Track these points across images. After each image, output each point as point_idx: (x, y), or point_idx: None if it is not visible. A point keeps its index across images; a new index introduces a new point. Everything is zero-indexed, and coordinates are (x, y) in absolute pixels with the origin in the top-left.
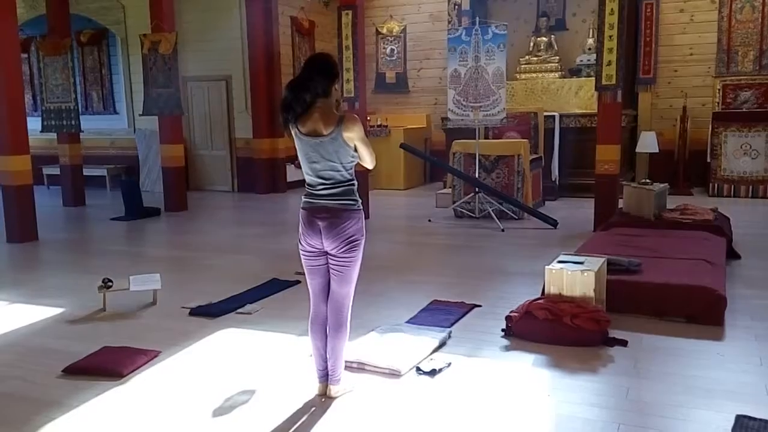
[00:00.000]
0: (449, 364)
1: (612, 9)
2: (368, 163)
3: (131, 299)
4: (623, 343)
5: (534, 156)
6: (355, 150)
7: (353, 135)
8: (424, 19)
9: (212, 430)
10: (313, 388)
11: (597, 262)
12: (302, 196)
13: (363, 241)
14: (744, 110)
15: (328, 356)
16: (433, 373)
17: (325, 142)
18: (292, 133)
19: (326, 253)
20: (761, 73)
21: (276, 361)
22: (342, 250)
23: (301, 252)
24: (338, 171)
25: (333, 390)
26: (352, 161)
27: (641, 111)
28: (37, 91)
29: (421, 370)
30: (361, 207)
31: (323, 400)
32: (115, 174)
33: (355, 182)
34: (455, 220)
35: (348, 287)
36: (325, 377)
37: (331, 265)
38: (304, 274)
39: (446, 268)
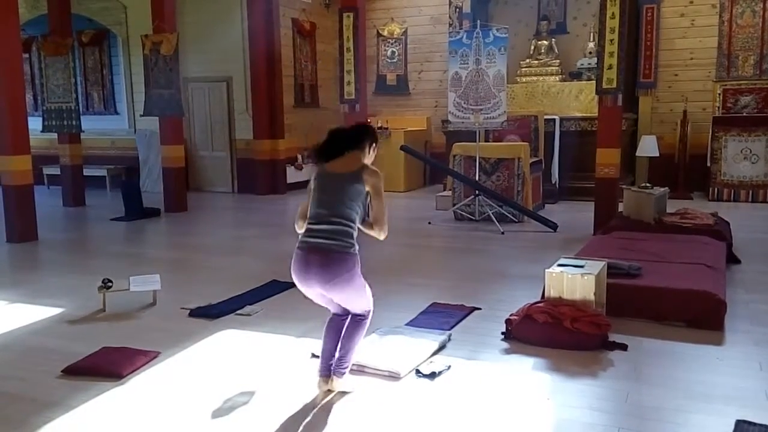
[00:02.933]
0: (449, 367)
1: (613, 13)
2: (380, 224)
3: (131, 300)
4: (623, 347)
5: (534, 159)
6: (369, 201)
7: (372, 180)
8: (425, 21)
9: (211, 431)
10: (312, 390)
11: (597, 266)
12: (299, 237)
13: (358, 274)
14: (744, 115)
15: (338, 349)
16: (432, 375)
17: (345, 176)
18: (318, 170)
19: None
20: (761, 77)
21: (275, 362)
22: (336, 290)
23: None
24: (345, 211)
25: (336, 383)
26: (361, 210)
27: (642, 115)
28: (38, 91)
29: (420, 372)
30: (357, 253)
31: (324, 392)
32: (116, 174)
33: (356, 231)
34: (455, 223)
35: (360, 301)
36: (328, 372)
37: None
38: None
39: (446, 271)
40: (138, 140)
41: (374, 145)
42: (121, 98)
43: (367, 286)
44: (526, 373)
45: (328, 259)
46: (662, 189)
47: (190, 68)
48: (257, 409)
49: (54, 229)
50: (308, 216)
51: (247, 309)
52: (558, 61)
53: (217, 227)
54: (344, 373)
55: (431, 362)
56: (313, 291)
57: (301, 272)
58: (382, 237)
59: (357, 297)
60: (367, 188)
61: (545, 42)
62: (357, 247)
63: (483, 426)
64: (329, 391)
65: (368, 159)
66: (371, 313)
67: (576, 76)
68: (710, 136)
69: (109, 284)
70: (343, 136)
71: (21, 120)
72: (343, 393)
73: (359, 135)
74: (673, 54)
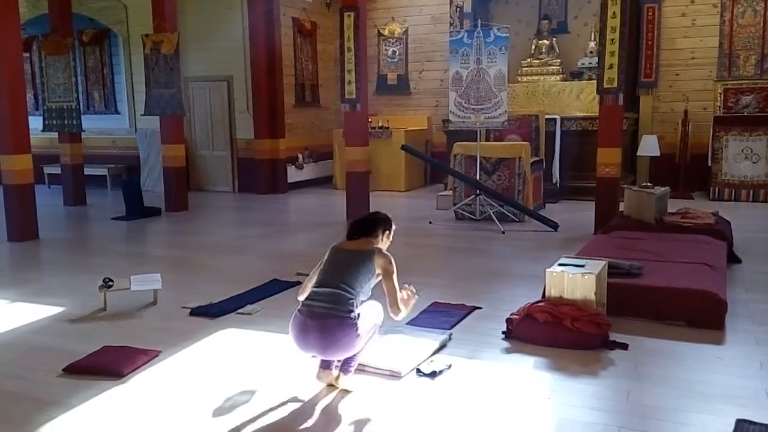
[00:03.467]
0: (450, 366)
1: (614, 12)
2: (392, 305)
3: (132, 299)
4: (624, 346)
5: (535, 159)
6: (377, 278)
7: (381, 261)
8: (426, 21)
9: (212, 430)
10: (313, 389)
11: (598, 266)
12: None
13: (357, 337)
14: (745, 114)
15: None
16: (433, 375)
17: (355, 252)
18: (333, 246)
19: None
20: (762, 77)
21: (276, 361)
22: (334, 355)
23: None
24: (350, 280)
25: (342, 379)
26: (366, 286)
27: (642, 114)
28: (39, 90)
29: (421, 371)
30: (357, 322)
31: (325, 388)
32: (116, 174)
33: (358, 301)
34: (456, 222)
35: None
36: (329, 365)
37: None
38: (304, 275)
39: (447, 270)
40: (139, 139)
41: (387, 232)
42: (121, 97)
43: (373, 334)
44: (527, 373)
45: (326, 326)
46: (663, 188)
47: (190, 67)
48: (258, 407)
49: (55, 229)
50: (313, 283)
51: (248, 308)
52: (559, 60)
53: (217, 226)
54: (350, 372)
55: (432, 361)
56: (311, 353)
57: (300, 337)
58: (397, 317)
59: (353, 354)
60: (378, 270)
61: (546, 41)
62: (358, 314)
63: (484, 425)
64: (330, 386)
65: (382, 244)
66: (376, 331)
67: (577, 75)
68: (711, 136)
69: (110, 283)
70: (358, 224)
71: (22, 119)
72: (345, 392)
73: (372, 223)
74: (674, 53)
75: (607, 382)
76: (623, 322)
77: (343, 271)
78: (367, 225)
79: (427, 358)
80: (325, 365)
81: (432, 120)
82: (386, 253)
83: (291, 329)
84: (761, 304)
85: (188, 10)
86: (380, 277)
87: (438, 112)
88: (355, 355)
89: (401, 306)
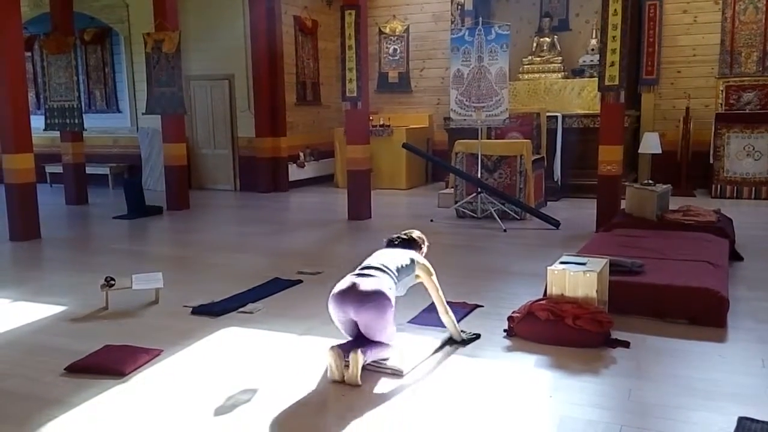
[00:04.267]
0: (478, 336)
1: (615, 9)
2: (439, 306)
3: (133, 298)
4: (625, 344)
5: (536, 156)
6: (415, 279)
7: (420, 260)
8: (427, 18)
9: (214, 428)
10: (314, 388)
11: (599, 263)
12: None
13: (388, 312)
14: (747, 111)
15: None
16: (464, 343)
17: (395, 252)
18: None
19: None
20: (764, 74)
21: (278, 360)
22: (363, 314)
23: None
24: (391, 265)
25: (357, 356)
26: (404, 278)
27: (644, 112)
28: (41, 89)
29: (452, 340)
30: (392, 302)
31: (329, 384)
32: (118, 172)
33: (396, 283)
34: (457, 221)
35: (380, 334)
36: (347, 351)
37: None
38: (306, 273)
39: (448, 268)
40: (140, 138)
41: (422, 248)
42: (123, 96)
43: (394, 328)
44: (528, 371)
45: (366, 283)
46: (665, 186)
47: (192, 66)
48: (260, 406)
49: (57, 227)
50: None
51: (250, 307)
52: (560, 58)
53: (219, 225)
54: (367, 355)
55: (462, 330)
56: (344, 315)
57: (338, 297)
58: (445, 318)
59: (380, 328)
60: (417, 270)
61: (547, 39)
62: (393, 299)
63: (485, 423)
64: (335, 383)
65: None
66: (390, 345)
67: (578, 73)
68: (713, 133)
69: (112, 282)
70: (396, 238)
71: (23, 118)
72: (345, 391)
73: (409, 241)
74: (675, 50)
75: (608, 380)
76: (625, 320)
77: (384, 260)
78: (405, 242)
79: (429, 357)
80: (347, 347)
81: (433, 118)
82: (424, 259)
83: (330, 296)
84: (763, 302)
85: (189, 8)
86: (419, 279)
87: (439, 110)
88: (373, 345)
89: (446, 307)
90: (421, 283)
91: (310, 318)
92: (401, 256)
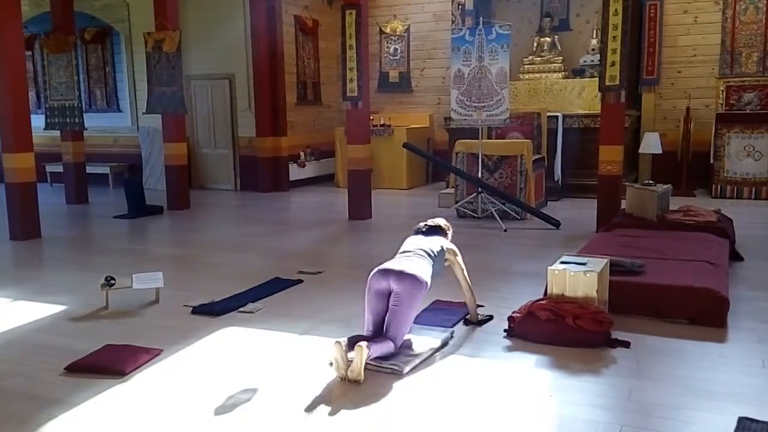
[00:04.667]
0: (492, 317)
1: (616, 9)
2: (465, 287)
3: (134, 297)
4: (626, 344)
5: (537, 156)
6: (445, 262)
7: (449, 244)
8: (428, 18)
9: (214, 428)
10: (315, 387)
11: (600, 263)
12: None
13: (417, 297)
14: (747, 112)
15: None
16: (480, 323)
17: (426, 237)
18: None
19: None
20: (765, 74)
21: (278, 359)
22: (400, 285)
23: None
24: (427, 249)
25: (362, 348)
26: (438, 260)
27: (644, 112)
28: (41, 88)
29: (468, 321)
30: (428, 284)
31: (330, 383)
32: (118, 172)
33: (432, 264)
34: (458, 220)
35: (401, 320)
36: (355, 342)
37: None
38: (306, 273)
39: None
40: (141, 138)
41: (447, 235)
42: (123, 96)
43: (412, 320)
44: (529, 371)
45: (409, 270)
46: (665, 186)
47: (192, 66)
48: (260, 406)
49: (57, 227)
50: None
51: (250, 306)
52: (561, 58)
53: (219, 224)
54: (371, 349)
55: (477, 313)
56: (385, 282)
57: (380, 270)
58: (468, 295)
59: (407, 305)
60: (448, 256)
61: (548, 39)
62: (429, 281)
63: (485, 423)
64: (339, 380)
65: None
66: (396, 349)
67: (579, 73)
68: (713, 133)
69: (112, 282)
70: (426, 226)
71: (24, 117)
72: (345, 391)
73: (436, 228)
74: (676, 51)
75: (609, 380)
76: (625, 320)
77: (422, 244)
78: (432, 229)
79: (429, 357)
80: (352, 341)
81: (434, 118)
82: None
83: (374, 271)
84: (763, 302)
85: (190, 8)
86: (448, 263)
87: (440, 110)
88: (378, 342)
89: (470, 285)
90: (448, 266)
91: (311, 318)
92: (433, 243)
